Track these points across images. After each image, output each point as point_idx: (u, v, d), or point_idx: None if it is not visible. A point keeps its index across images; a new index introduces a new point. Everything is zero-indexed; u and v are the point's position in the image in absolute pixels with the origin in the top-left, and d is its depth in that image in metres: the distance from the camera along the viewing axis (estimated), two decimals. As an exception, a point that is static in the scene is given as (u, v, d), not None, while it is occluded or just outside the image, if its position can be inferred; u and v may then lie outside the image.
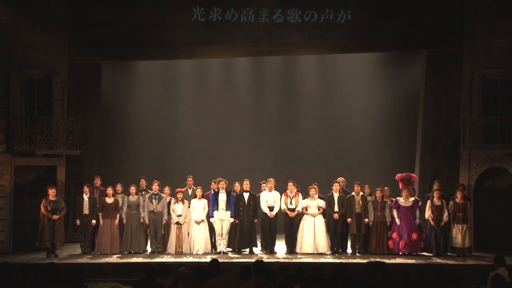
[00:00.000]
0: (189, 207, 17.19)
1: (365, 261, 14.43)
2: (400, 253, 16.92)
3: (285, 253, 17.04)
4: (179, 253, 16.89)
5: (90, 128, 20.65)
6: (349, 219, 17.12)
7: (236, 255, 16.76)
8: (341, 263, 11.27)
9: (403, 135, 22.10)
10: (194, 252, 16.88)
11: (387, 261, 14.56)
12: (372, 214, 17.15)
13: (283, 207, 17.17)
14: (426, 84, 20.70)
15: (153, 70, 22.89)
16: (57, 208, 16.82)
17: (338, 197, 17.23)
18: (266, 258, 15.78)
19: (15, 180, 18.21)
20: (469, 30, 18.83)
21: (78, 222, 17.43)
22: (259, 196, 17.40)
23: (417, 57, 21.49)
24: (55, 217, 16.73)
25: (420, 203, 17.32)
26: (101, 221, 17.13)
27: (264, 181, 17.69)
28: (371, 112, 22.61)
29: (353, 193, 17.34)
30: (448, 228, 17.10)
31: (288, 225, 17.24)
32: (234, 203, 17.16)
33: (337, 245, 17.17)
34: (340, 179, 17.92)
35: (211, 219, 17.12)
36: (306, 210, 17.18)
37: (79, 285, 8.66)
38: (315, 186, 17.43)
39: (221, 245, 17.02)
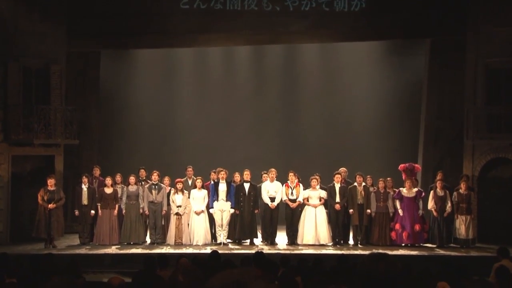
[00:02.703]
0: (189, 197, 17.18)
1: (367, 252, 14.42)
2: (403, 245, 16.92)
3: (286, 245, 17.04)
4: (178, 244, 16.89)
5: (89, 118, 20.61)
6: (351, 210, 17.11)
7: (237, 246, 16.77)
8: (342, 254, 11.30)
9: (406, 125, 22.06)
10: (194, 243, 16.87)
11: (389, 252, 14.56)
12: (375, 205, 17.14)
13: (284, 198, 17.15)
14: (429, 74, 20.63)
15: (152, 59, 22.83)
16: (54, 198, 16.81)
17: (339, 187, 17.21)
18: (267, 250, 15.76)
19: (12, 170, 18.19)
20: (473, 18, 18.76)
21: (76, 212, 17.41)
22: (260, 187, 17.38)
23: (420, 46, 21.43)
24: (50, 206, 16.71)
25: (423, 193, 17.30)
26: (100, 211, 17.12)
27: (265, 172, 17.67)
28: (373, 102, 22.57)
29: (355, 184, 17.32)
30: (452, 219, 17.07)
31: (289, 216, 17.22)
32: (235, 193, 17.14)
33: (338, 237, 17.17)
34: (342, 169, 17.91)
35: (211, 210, 17.10)
36: (308, 201, 17.16)
37: (78, 276, 8.64)
38: (317, 177, 17.40)
39: (221, 236, 17.02)
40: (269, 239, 17.16)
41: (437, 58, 20.49)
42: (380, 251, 14.11)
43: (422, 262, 14.47)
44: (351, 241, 17.42)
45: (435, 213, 17.03)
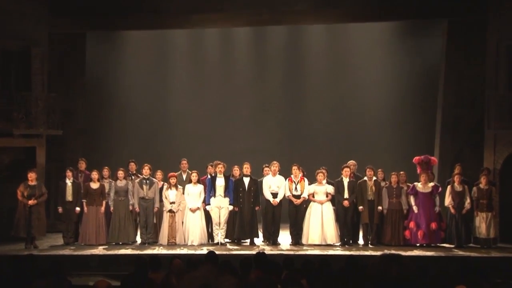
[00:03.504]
0: (183, 193, 17.18)
1: (378, 253, 14.43)
2: (418, 245, 16.91)
3: (290, 245, 17.03)
4: (172, 244, 16.89)
5: (74, 106, 20.59)
6: (360, 207, 17.10)
7: (236, 247, 16.76)
8: (351, 255, 11.26)
9: (421, 114, 22.05)
10: (189, 243, 16.87)
11: (403, 253, 14.60)
12: (387, 201, 17.12)
13: (288, 193, 17.14)
14: (447, 57, 20.58)
15: (143, 42, 22.81)
16: (35, 193, 16.80)
17: (348, 182, 17.19)
18: (268, 250, 15.75)
19: (-11, 163, 18.22)
20: (495, -4, 18.75)
21: (60, 209, 17.38)
22: (261, 181, 17.37)
23: (437, 27, 21.37)
24: (31, 202, 16.71)
25: (440, 189, 17.28)
26: (85, 208, 17.11)
27: (266, 165, 17.67)
28: (385, 88, 22.55)
29: (365, 178, 17.31)
30: (471, 216, 17.06)
31: (293, 213, 17.21)
32: (233, 189, 17.13)
33: (347, 236, 17.16)
34: (351, 162, 17.90)
35: (208, 207, 17.10)
36: (313, 196, 17.16)
37: (63, 279, 8.64)
38: (323, 171, 17.40)
39: (219, 236, 17.02)
40: (271, 239, 17.16)
41: (455, 40, 20.43)
42: (393, 252, 14.13)
43: (438, 263, 14.49)
44: (360, 241, 17.41)
45: (452, 210, 17.02)
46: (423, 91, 21.97)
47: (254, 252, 12.34)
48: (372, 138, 22.20)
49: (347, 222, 17.16)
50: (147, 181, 17.30)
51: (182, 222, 17.12)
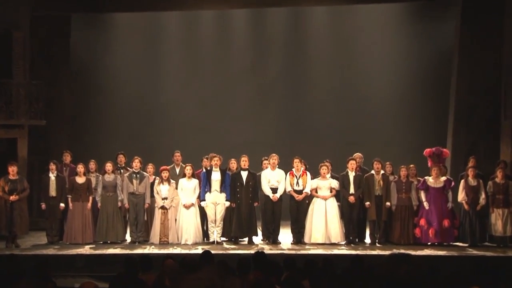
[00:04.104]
0: (176, 188, 17.16)
1: (386, 252, 14.44)
2: (429, 243, 16.91)
3: (291, 243, 17.04)
4: (164, 243, 16.88)
5: (58, 94, 20.59)
6: (367, 203, 17.09)
7: (233, 246, 16.76)
8: (357, 255, 11.27)
9: (432, 103, 22.05)
10: (183, 242, 16.87)
11: (413, 252, 14.58)
12: (395, 197, 17.11)
13: (289, 188, 17.13)
14: (461, 41, 20.57)
15: (133, 25, 22.79)
16: (16, 188, 16.79)
17: (354, 176, 17.18)
18: (268, 250, 15.75)
19: (-33, 155, 18.21)
20: (513, -25, 18.75)
21: (43, 206, 17.36)
22: (260, 175, 17.36)
23: (450, 9, 21.37)
24: (12, 198, 16.70)
25: (453, 183, 17.27)
26: (70, 204, 17.08)
27: (266, 158, 17.65)
28: (394, 75, 22.56)
29: (372, 172, 17.29)
30: (486, 213, 17.06)
31: (295, 210, 17.20)
32: (230, 183, 17.11)
33: (352, 234, 17.16)
34: (357, 155, 17.89)
35: (203, 203, 17.08)
36: (316, 192, 17.15)
37: (46, 281, 8.64)
38: (327, 164, 17.37)
39: (215, 234, 17.02)
40: (271, 237, 17.16)
41: (470, 23, 20.40)
42: (402, 251, 14.14)
43: (451, 264, 14.51)
44: (367, 240, 17.42)
45: (466, 206, 17.02)
46: (434, 78, 21.98)
47: (252, 252, 12.35)
48: (380, 129, 22.20)
49: (353, 219, 17.15)
50: (137, 175, 17.28)
51: (175, 220, 17.11)
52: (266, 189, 17.14)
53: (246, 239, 17.31)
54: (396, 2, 21.49)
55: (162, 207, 17.05)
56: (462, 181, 17.23)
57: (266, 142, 21.20)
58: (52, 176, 17.29)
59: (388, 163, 17.62)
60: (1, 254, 13.07)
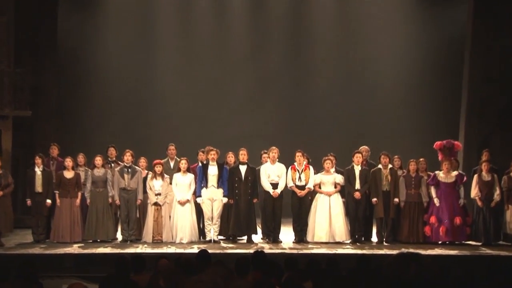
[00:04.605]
0: (170, 183, 17.17)
1: (394, 252, 14.43)
2: (440, 242, 16.92)
3: (293, 242, 17.05)
4: (158, 242, 16.89)
5: (45, 83, 20.56)
6: (374, 199, 17.10)
7: (231, 245, 16.77)
8: (363, 254, 11.30)
9: (443, 93, 22.05)
10: (177, 241, 16.88)
11: (422, 252, 14.58)
12: (404, 193, 17.12)
13: (290, 184, 17.13)
14: (474, 27, 20.56)
15: (125, 9, 22.77)
16: (0, 183, 16.79)
17: (360, 171, 17.19)
18: (268, 249, 15.78)
19: None
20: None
21: (29, 202, 17.36)
22: (259, 170, 17.36)
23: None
24: (-3, 194, 16.76)
25: (465, 178, 17.27)
26: (58, 200, 17.08)
27: (265, 151, 17.65)
28: (402, 64, 22.55)
29: (380, 166, 17.30)
30: (501, 210, 17.08)
31: (297, 206, 17.21)
32: (228, 178, 17.12)
33: (358, 232, 17.18)
34: (363, 148, 17.89)
35: (199, 199, 17.09)
36: (320, 187, 17.16)
37: (33, 282, 8.64)
38: (331, 157, 17.38)
39: (212, 232, 17.03)
40: (271, 236, 17.17)
41: (483, 9, 20.39)
42: (411, 250, 14.16)
43: (463, 264, 14.51)
44: (374, 238, 17.44)
45: (480, 203, 17.04)
46: (445, 67, 21.97)
47: (251, 251, 12.36)
48: (388, 120, 22.19)
49: (359, 216, 17.16)
50: (129, 170, 17.27)
51: (170, 217, 17.12)
52: (266, 185, 17.14)
53: (245, 237, 17.30)
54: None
55: (155, 204, 17.05)
56: (475, 176, 17.24)
57: (266, 134, 21.21)
58: (38, 170, 17.29)
59: (396, 156, 17.62)
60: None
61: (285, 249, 16.27)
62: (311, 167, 17.25)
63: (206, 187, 17.05)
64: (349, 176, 17.19)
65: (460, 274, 8.47)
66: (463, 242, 17.01)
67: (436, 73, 22.16)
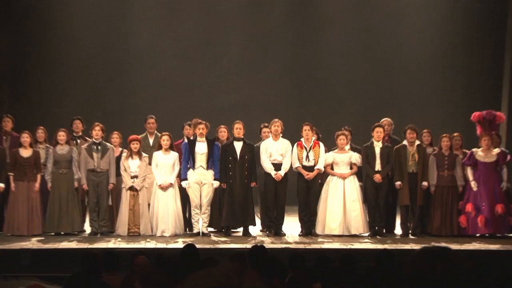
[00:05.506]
0: (149, 164, 17.23)
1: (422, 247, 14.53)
2: (478, 235, 17.01)
3: (299, 235, 17.14)
4: (134, 234, 16.96)
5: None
6: (398, 183, 17.17)
7: (223, 239, 16.84)
8: (385, 250, 11.35)
9: (482, 55, 22.05)
10: (158, 234, 16.95)
11: (457, 247, 14.71)
12: (435, 175, 17.18)
13: (296, 164, 17.19)
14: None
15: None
16: None
17: (381, 148, 17.23)
18: (269, 243, 15.85)
19: None
20: None
21: (-23, 187, 17.49)
22: (258, 147, 17.41)
23: None
24: None
25: (508, 157, 17.32)
26: (12, 184, 17.15)
27: (266, 124, 17.70)
28: (432, 20, 22.54)
29: (405, 143, 17.35)
30: (553, 196, 17.18)
31: (304, 192, 17.26)
32: (220, 157, 17.17)
33: (379, 223, 17.26)
34: (385, 120, 17.94)
35: (184, 183, 17.15)
36: (332, 168, 17.23)
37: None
38: (346, 132, 17.42)
39: (200, 223, 17.11)
40: (273, 228, 17.25)
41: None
42: (443, 244, 14.24)
43: (506, 261, 14.61)
44: (398, 230, 17.53)
45: (526, 187, 17.15)
46: (484, 24, 21.97)
47: (249, 246, 12.44)
48: (414, 87, 22.22)
49: (379, 204, 17.23)
50: (99, 147, 17.30)
51: (149, 205, 17.20)
52: (267, 165, 17.18)
53: (241, 229, 17.39)
54: None
55: (131, 188, 17.11)
56: (522, 154, 17.33)
57: (267, 104, 21.25)
58: (-13, 148, 17.38)
59: (425, 131, 17.65)
60: None
61: (289, 243, 16.33)
62: (321, 144, 17.29)
63: (193, 168, 17.09)
64: (367, 155, 17.23)
65: (502, 273, 8.53)
66: (505, 234, 17.10)
67: (473, 31, 22.16)
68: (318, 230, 17.13)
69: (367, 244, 16.30)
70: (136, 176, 17.11)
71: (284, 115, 18.23)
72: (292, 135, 17.48)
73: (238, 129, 17.26)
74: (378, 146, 17.22)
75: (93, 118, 17.95)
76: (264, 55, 22.85)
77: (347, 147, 17.29)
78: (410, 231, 17.27)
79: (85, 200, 17.57)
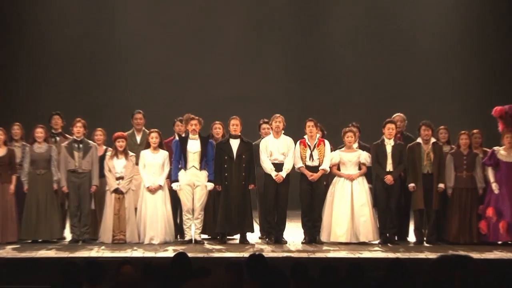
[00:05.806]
0: (137, 164, 17.23)
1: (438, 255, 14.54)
2: (500, 243, 17.01)
3: (302, 243, 17.17)
4: (119, 242, 16.97)
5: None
6: (411, 185, 17.17)
7: (218, 246, 16.86)
8: (397, 259, 11.35)
9: (503, 43, 22.07)
10: (146, 241, 16.96)
11: (476, 255, 14.68)
12: (453, 176, 17.18)
13: (299, 164, 17.20)
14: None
15: None
16: None
17: (393, 146, 17.23)
18: (269, 252, 15.89)
19: None
20: None
21: None
22: (257, 145, 17.41)
23: None
24: None
25: (534, 157, 17.36)
26: (-15, 187, 17.21)
27: (265, 120, 17.71)
28: (448, 4, 22.57)
29: (419, 140, 17.35)
30: None
31: (308, 194, 17.27)
32: (215, 157, 17.17)
33: (390, 229, 17.27)
34: (397, 116, 17.94)
35: (175, 185, 17.15)
36: (338, 169, 17.23)
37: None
38: (354, 129, 17.44)
39: (192, 229, 17.12)
40: (273, 234, 17.27)
41: None
42: (461, 253, 14.22)
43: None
44: (411, 237, 17.54)
45: (554, 190, 17.15)
46: (504, 13, 21.99)
47: (246, 255, 12.43)
48: (429, 78, 22.26)
49: (391, 208, 17.24)
50: (80, 145, 17.29)
51: (136, 209, 17.20)
52: (267, 165, 17.19)
53: (238, 236, 17.41)
54: None
55: (116, 191, 17.12)
56: (548, 153, 17.32)
57: (266, 98, 21.27)
58: (-42, 146, 17.39)
59: (442, 127, 17.67)
60: None
61: (291, 252, 16.37)
62: (326, 142, 17.30)
63: (185, 168, 17.10)
64: (378, 154, 17.23)
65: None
66: (531, 242, 17.13)
67: (493, 18, 22.19)
68: (323, 237, 17.15)
69: (377, 253, 16.31)
70: (121, 178, 17.12)
71: (286, 110, 18.23)
72: (295, 132, 17.49)
73: (235, 125, 17.26)
74: (389, 144, 17.21)
75: (74, 113, 17.93)
76: (263, 43, 22.88)
77: (355, 145, 17.32)
78: (424, 238, 17.29)
79: (65, 204, 17.58)
